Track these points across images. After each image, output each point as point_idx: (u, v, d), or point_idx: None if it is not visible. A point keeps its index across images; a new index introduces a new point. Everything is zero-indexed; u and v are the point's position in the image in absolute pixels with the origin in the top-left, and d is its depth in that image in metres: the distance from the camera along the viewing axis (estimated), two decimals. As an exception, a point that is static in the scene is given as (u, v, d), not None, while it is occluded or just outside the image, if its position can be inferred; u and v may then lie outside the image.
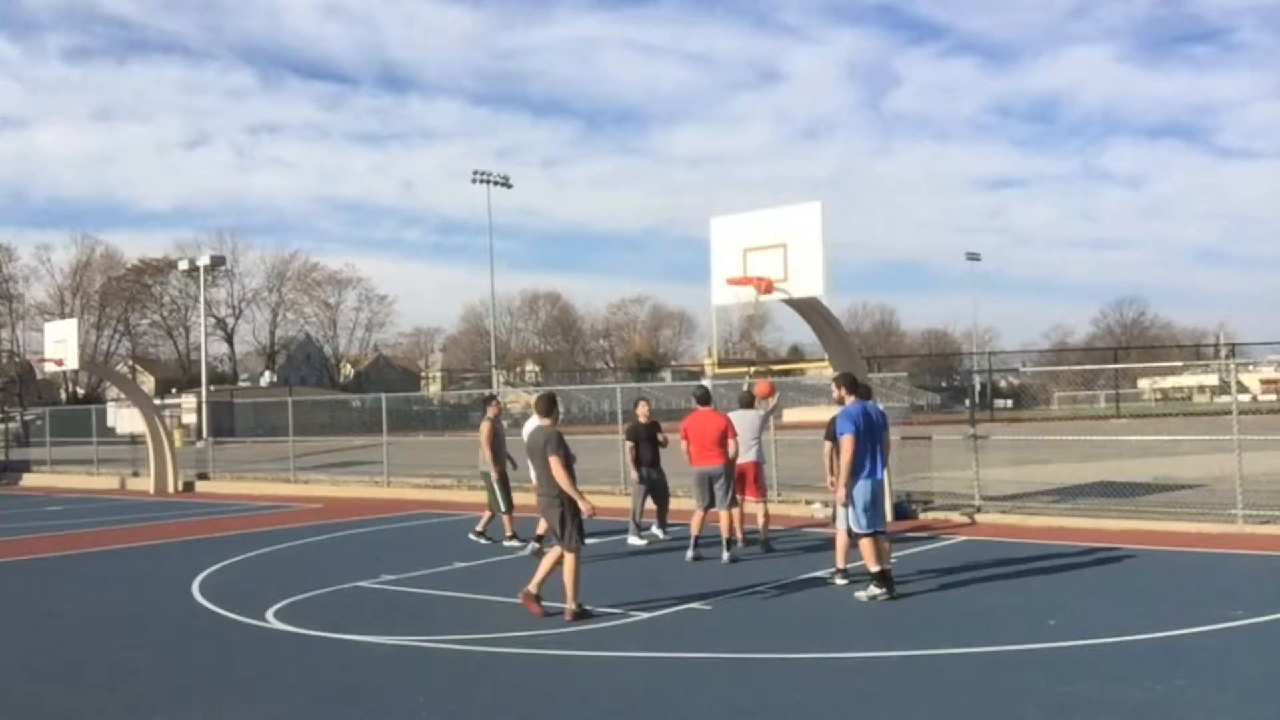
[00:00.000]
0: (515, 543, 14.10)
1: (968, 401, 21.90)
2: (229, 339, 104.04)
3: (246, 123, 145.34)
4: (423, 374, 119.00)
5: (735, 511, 12.68)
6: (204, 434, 41.53)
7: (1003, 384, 72.72)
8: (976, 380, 50.87)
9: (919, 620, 9.05)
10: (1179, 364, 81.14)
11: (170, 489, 26.84)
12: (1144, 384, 72.54)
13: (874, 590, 9.82)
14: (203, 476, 28.14)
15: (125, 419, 42.46)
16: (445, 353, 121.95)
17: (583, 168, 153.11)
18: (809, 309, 14.74)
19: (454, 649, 8.49)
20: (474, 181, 78.77)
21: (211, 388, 68.38)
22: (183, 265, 71.61)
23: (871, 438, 9.95)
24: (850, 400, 10.05)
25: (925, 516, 15.93)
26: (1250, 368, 69.59)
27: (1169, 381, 73.89)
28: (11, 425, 46.30)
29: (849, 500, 9.86)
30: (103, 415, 38.35)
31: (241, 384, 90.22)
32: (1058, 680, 7.07)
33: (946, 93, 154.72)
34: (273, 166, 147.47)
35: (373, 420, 32.46)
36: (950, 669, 7.51)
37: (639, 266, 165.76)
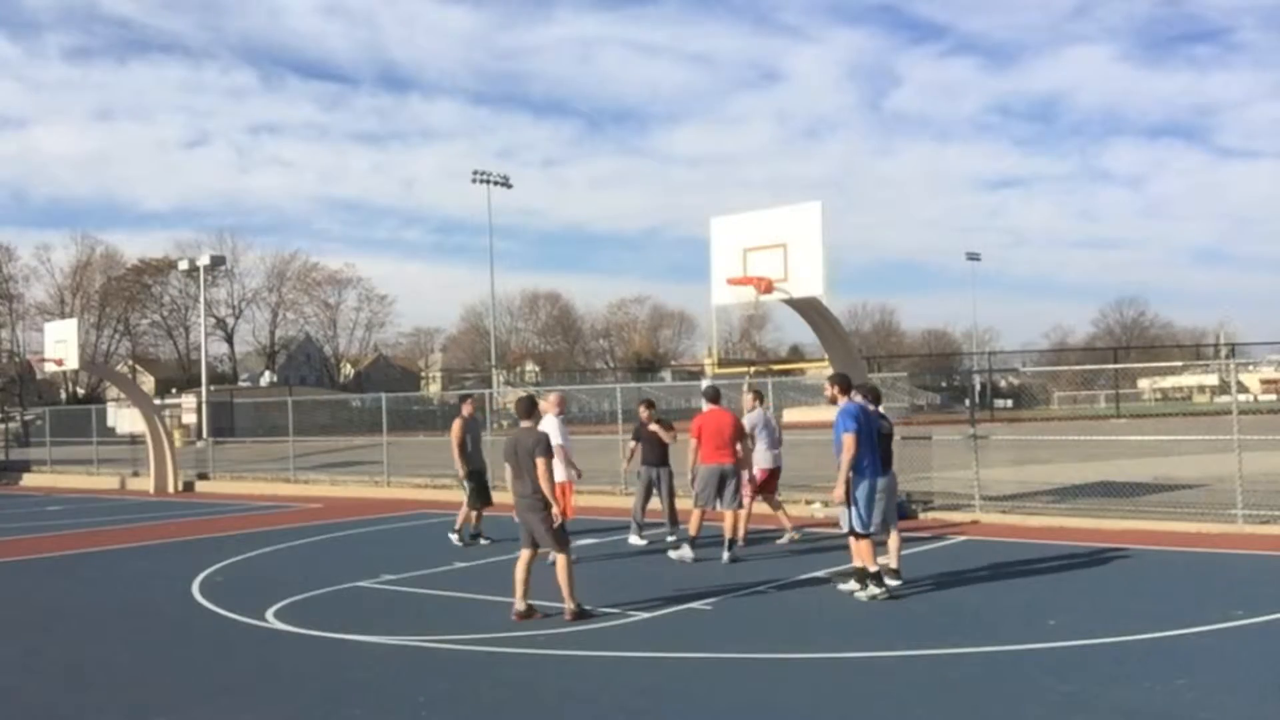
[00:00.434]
0: (454, 537, 14.61)
1: (967, 401, 21.90)
2: (229, 339, 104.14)
3: (247, 123, 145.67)
4: (423, 374, 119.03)
5: (741, 512, 12.68)
6: (204, 434, 41.54)
7: (1003, 384, 72.67)
8: (976, 380, 50.83)
9: (919, 620, 9.05)
10: (1179, 364, 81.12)
11: (170, 489, 26.85)
12: (1144, 384, 72.51)
13: (873, 590, 9.82)
14: (203, 476, 28.14)
15: (125, 419, 42.46)
16: (445, 353, 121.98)
17: (583, 168, 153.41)
18: (809, 309, 14.75)
19: (454, 649, 8.49)
20: (474, 181, 78.83)
21: (211, 388, 68.36)
22: (183, 265, 71.60)
23: (870, 437, 9.93)
24: (844, 400, 10.00)
25: (925, 516, 15.93)
26: (1250, 368, 69.56)
27: (1169, 381, 73.87)
28: (11, 425, 46.34)
29: (851, 500, 9.82)
30: (103, 415, 38.35)
31: (241, 384, 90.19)
32: (1058, 680, 7.07)
33: (947, 92, 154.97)
34: (272, 166, 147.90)
35: (373, 420, 32.42)
36: (951, 669, 7.51)
37: (639, 266, 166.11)
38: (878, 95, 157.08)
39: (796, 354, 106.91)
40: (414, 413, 47.18)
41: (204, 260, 68.06)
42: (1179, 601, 9.62)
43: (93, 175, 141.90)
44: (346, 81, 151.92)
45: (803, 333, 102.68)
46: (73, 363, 26.09)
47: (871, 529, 9.85)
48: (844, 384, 10.17)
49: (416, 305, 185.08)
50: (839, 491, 9.77)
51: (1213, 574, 11.16)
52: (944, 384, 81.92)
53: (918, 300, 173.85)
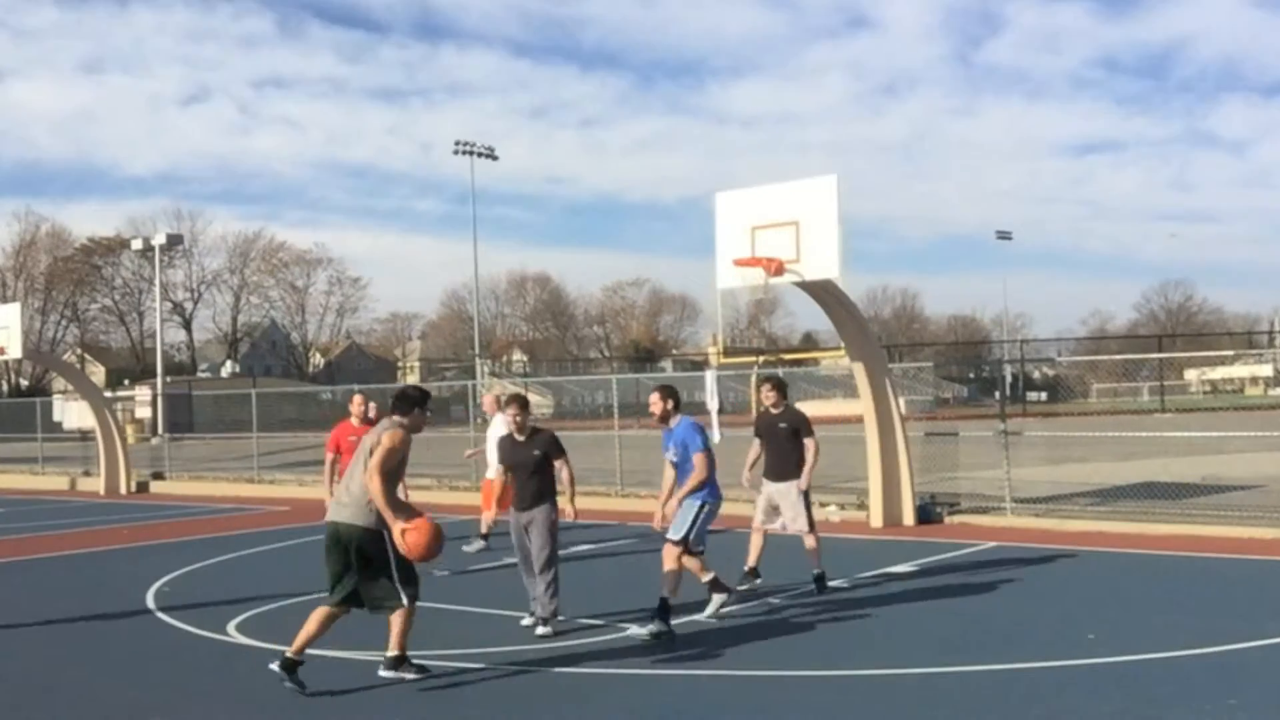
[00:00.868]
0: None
1: (997, 394, 21.87)
2: (187, 325, 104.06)
3: (253, 76, 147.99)
4: (400, 363, 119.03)
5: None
6: (159, 429, 41.49)
7: (1036, 375, 72.80)
8: (1007, 371, 50.94)
9: (943, 634, 9.05)
10: (1230, 353, 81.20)
11: (123, 489, 26.84)
12: (1191, 375, 72.59)
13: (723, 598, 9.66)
14: (158, 476, 28.13)
15: (73, 413, 42.46)
16: (424, 341, 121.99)
17: (625, 129, 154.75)
18: (823, 293, 14.73)
19: (437, 664, 8.48)
20: (456, 153, 78.76)
21: (168, 379, 68.35)
22: (136, 244, 71.51)
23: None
24: (679, 416, 9.43)
25: (951, 520, 15.94)
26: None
27: (1219, 372, 73.95)
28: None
29: (697, 516, 9.33)
30: (48, 409, 38.31)
31: (201, 375, 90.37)
32: (1098, 700, 7.07)
33: (1050, 43, 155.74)
34: (275, 126, 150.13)
35: (344, 415, 32.37)
36: (978, 687, 7.51)
37: (670, 239, 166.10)
38: (971, 46, 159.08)
39: (810, 342, 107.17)
40: (365, 411, 47.16)
41: (159, 239, 67.95)
42: (1230, 614, 9.62)
43: (70, 136, 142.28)
44: (375, 29, 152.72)
45: (816, 319, 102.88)
46: (15, 351, 26.03)
47: (699, 549, 9.39)
48: (677, 398, 9.51)
49: (398, 287, 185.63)
50: (668, 511, 9.36)
51: (1267, 584, 11.17)
52: (971, 375, 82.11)
53: (942, 282, 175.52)
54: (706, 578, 9.52)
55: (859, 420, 16.31)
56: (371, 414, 14.03)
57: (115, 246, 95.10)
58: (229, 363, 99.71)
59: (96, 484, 27.29)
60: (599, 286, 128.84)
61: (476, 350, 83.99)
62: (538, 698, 7.59)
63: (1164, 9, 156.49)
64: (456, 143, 78.88)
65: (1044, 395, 67.22)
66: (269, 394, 33.72)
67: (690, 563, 9.35)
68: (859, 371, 15.79)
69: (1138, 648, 8.29)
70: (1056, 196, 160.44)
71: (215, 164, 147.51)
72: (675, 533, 9.19)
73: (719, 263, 14.38)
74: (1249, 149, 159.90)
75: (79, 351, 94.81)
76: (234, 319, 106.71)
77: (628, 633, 9.15)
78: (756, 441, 11.16)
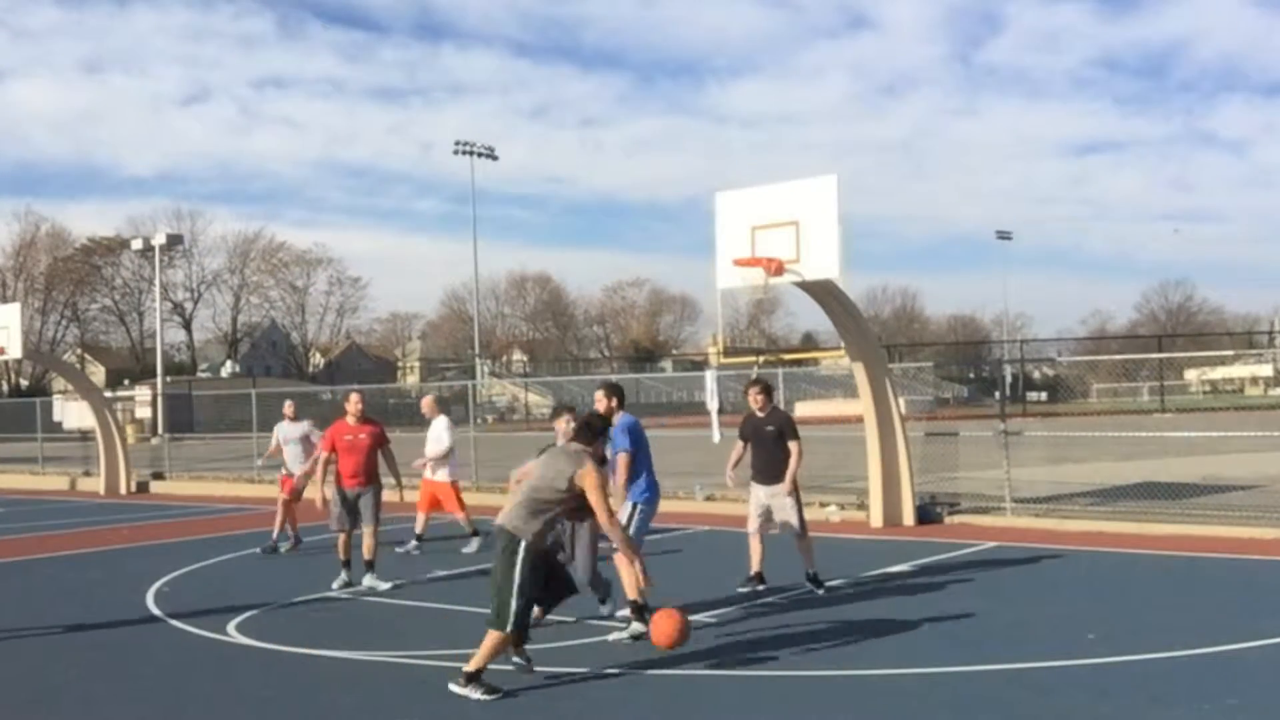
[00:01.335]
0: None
1: (997, 394, 21.83)
2: (187, 325, 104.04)
3: (253, 77, 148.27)
4: (400, 364, 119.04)
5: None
6: (159, 429, 41.50)
7: (1036, 375, 72.74)
8: (1007, 371, 50.85)
9: (943, 634, 9.05)
10: (1230, 353, 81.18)
11: (122, 490, 26.84)
12: (1191, 375, 72.58)
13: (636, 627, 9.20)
14: (158, 476, 28.13)
15: (73, 413, 42.44)
16: (424, 341, 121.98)
17: (624, 128, 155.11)
18: (823, 293, 14.74)
19: (434, 665, 8.48)
20: (456, 153, 78.83)
21: (168, 379, 68.36)
22: (136, 244, 71.39)
23: (649, 455, 9.63)
24: (620, 414, 9.51)
25: (951, 520, 15.94)
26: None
27: (1219, 372, 73.95)
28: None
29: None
30: (48, 409, 38.31)
31: (201, 375, 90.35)
32: (1097, 699, 7.07)
33: (1050, 42, 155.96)
34: (275, 126, 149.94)
35: (343, 414, 32.35)
36: (979, 687, 7.51)
37: (670, 239, 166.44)
38: (972, 46, 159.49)
39: (810, 342, 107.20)
40: (390, 406, 47.19)
41: (159, 239, 67.84)
42: (1230, 614, 9.62)
43: (69, 136, 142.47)
44: (375, 29, 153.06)
45: (816, 319, 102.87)
46: (15, 351, 26.02)
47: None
48: (620, 396, 9.60)
49: (398, 287, 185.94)
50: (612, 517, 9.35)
51: (1267, 584, 11.17)
52: (971, 375, 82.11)
53: (942, 282, 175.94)
54: (631, 594, 9.10)
55: (859, 420, 16.31)
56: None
57: (115, 246, 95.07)
58: (229, 363, 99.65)
59: (96, 484, 27.29)
60: (599, 286, 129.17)
61: (476, 350, 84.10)
62: (537, 698, 7.59)
63: (1164, 9, 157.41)
64: (456, 143, 79.22)
65: (1044, 395, 67.15)
66: (269, 394, 33.64)
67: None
68: (859, 371, 15.79)
69: (1138, 648, 8.29)
70: (1056, 196, 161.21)
71: (215, 164, 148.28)
72: None
73: (719, 263, 14.38)
74: (1249, 149, 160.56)
75: (79, 351, 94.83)
76: (234, 319, 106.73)
77: (609, 639, 9.09)
78: (740, 443, 11.21)
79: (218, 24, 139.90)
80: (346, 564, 12.02)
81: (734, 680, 7.91)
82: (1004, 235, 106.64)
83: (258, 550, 15.02)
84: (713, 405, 19.12)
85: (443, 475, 14.92)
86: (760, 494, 10.92)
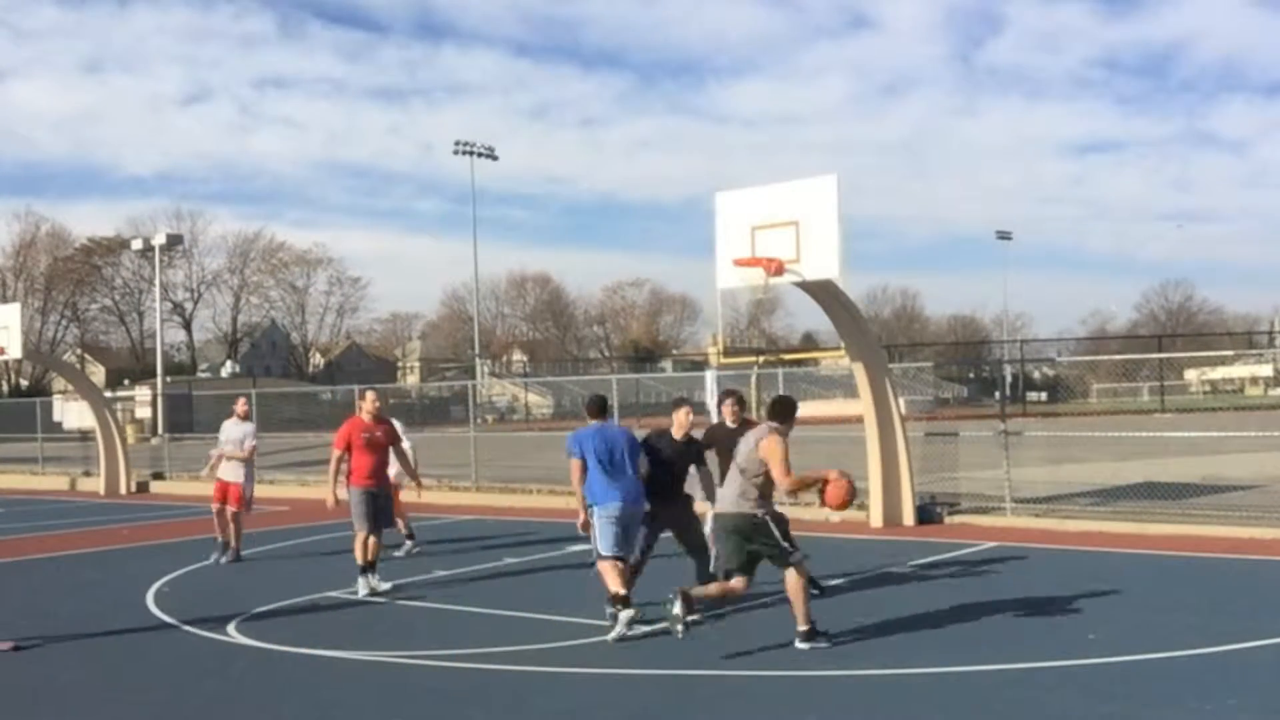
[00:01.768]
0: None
1: (997, 394, 21.90)
2: (187, 325, 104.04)
3: (253, 76, 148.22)
4: (400, 364, 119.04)
5: None
6: (159, 430, 41.51)
7: (1036, 375, 72.77)
8: (1007, 371, 50.93)
9: (943, 634, 9.05)
10: (1229, 353, 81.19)
11: (122, 490, 26.83)
12: (1191, 375, 72.58)
13: (612, 609, 9.49)
14: (158, 476, 28.12)
15: (73, 413, 42.41)
16: (425, 340, 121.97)
17: (625, 128, 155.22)
18: (823, 293, 14.74)
19: (436, 665, 8.49)
20: (456, 153, 78.81)
21: (168, 379, 68.36)
22: (136, 245, 71.39)
23: (602, 461, 9.65)
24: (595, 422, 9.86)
25: (951, 520, 15.94)
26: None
27: (1218, 372, 73.93)
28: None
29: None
30: (48, 409, 38.28)
31: (201, 375, 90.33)
32: (1098, 700, 7.07)
33: (1050, 42, 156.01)
34: (275, 126, 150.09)
35: (344, 414, 32.36)
36: (978, 688, 7.51)
37: (670, 239, 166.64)
38: (972, 46, 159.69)
39: (810, 342, 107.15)
40: (390, 406, 47.20)
41: (159, 239, 67.84)
42: (1230, 614, 9.62)
43: (70, 136, 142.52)
44: (375, 29, 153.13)
45: (816, 319, 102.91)
46: (15, 351, 26.02)
47: (606, 554, 9.47)
48: (597, 406, 9.99)
49: (398, 287, 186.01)
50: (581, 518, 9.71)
51: (1267, 584, 11.17)
52: (971, 375, 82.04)
53: (942, 282, 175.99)
54: (613, 587, 9.33)
55: (859, 420, 16.31)
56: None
57: (115, 246, 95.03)
58: (229, 363, 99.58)
59: (96, 484, 27.28)
60: (599, 286, 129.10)
61: (476, 350, 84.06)
62: (537, 698, 7.59)
63: (1164, 9, 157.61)
64: (456, 143, 79.15)
65: (1044, 395, 67.18)
66: (269, 394, 33.73)
67: (602, 566, 9.46)
68: (859, 371, 15.79)
69: (1138, 648, 8.29)
70: (1056, 196, 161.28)
71: (215, 164, 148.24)
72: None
73: (719, 263, 14.39)
74: (1249, 149, 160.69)
75: (79, 351, 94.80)
76: (234, 319, 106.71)
77: (609, 637, 9.12)
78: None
79: (218, 24, 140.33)
80: (372, 566, 11.70)
81: (734, 680, 7.91)
82: (1004, 235, 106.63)
83: (222, 561, 14.19)
84: (713, 405, 19.12)
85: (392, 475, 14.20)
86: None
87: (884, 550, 13.61)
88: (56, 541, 17.53)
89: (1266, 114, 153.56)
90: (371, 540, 11.58)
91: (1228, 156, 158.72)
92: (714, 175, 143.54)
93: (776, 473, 8.56)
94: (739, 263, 14.09)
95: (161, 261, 73.23)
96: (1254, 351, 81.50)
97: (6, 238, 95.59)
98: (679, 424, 10.11)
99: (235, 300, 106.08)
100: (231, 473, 14.61)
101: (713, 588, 9.01)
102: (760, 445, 8.67)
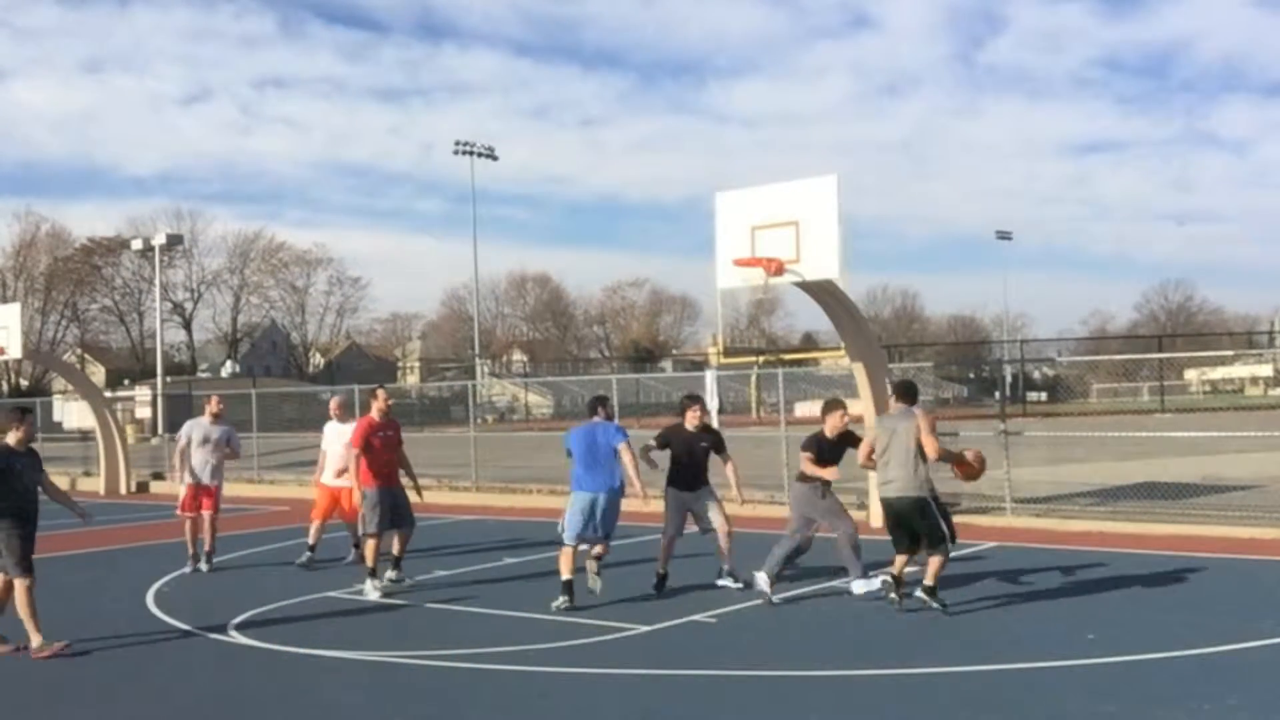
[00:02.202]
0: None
1: (997, 394, 21.89)
2: (187, 325, 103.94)
3: (253, 76, 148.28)
4: (400, 364, 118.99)
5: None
6: (159, 429, 41.50)
7: (1036, 375, 72.75)
8: (1007, 371, 50.85)
9: (943, 634, 9.05)
10: (1230, 353, 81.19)
11: (122, 490, 26.85)
12: (1191, 375, 72.60)
13: (561, 600, 10.31)
14: (158, 476, 28.10)
15: (73, 413, 42.46)
16: (425, 341, 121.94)
17: (626, 128, 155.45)
18: (822, 293, 14.73)
19: (436, 665, 8.49)
20: (456, 153, 78.79)
21: (168, 379, 68.28)
22: (136, 245, 71.27)
23: (586, 453, 10.53)
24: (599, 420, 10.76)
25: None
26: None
27: (1219, 372, 73.97)
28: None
29: None
30: (49, 409, 38.31)
31: (201, 375, 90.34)
32: (1097, 700, 7.08)
33: (1051, 42, 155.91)
34: (275, 126, 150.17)
35: (368, 412, 32.32)
36: (979, 687, 7.51)
37: (670, 239, 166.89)
38: (973, 46, 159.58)
39: (810, 342, 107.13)
40: (390, 406, 47.17)
41: (159, 239, 67.76)
42: (1231, 614, 9.62)
43: (70, 136, 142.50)
44: (376, 29, 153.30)
45: (816, 319, 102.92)
46: (15, 351, 26.03)
47: (569, 541, 10.48)
48: (596, 404, 11.00)
49: (398, 287, 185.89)
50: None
51: (1267, 584, 11.17)
52: (971, 375, 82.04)
53: (942, 282, 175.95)
54: (565, 574, 10.39)
55: (859, 420, 16.28)
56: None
57: (115, 246, 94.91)
58: (229, 363, 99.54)
59: (96, 484, 27.29)
60: (599, 286, 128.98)
61: (476, 350, 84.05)
62: (537, 697, 7.60)
63: (1165, 9, 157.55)
64: (457, 143, 79.07)
65: (1044, 395, 67.15)
66: (269, 394, 33.69)
67: (563, 551, 10.51)
68: (859, 371, 15.78)
69: (1138, 648, 8.29)
70: (1057, 196, 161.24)
71: (215, 164, 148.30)
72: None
73: (719, 263, 14.38)
74: (1250, 149, 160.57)
75: (79, 351, 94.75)
76: (234, 319, 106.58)
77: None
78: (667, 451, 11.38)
79: (218, 24, 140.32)
80: (396, 561, 11.75)
81: (734, 680, 7.91)
82: (1004, 235, 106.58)
83: (203, 568, 13.77)
84: (712, 405, 19.14)
85: (346, 480, 13.14)
86: (685, 498, 11.27)
87: (884, 550, 13.55)
88: (57, 541, 17.49)
89: (1266, 114, 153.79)
90: (371, 542, 11.52)
91: (1228, 156, 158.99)
92: (714, 175, 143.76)
93: (930, 445, 9.49)
94: (739, 263, 14.08)
95: (161, 261, 73.20)
96: (1254, 351, 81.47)
97: (6, 238, 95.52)
98: (689, 421, 11.30)
99: (235, 300, 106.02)
100: (211, 476, 14.20)
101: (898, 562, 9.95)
102: (921, 426, 9.58)
